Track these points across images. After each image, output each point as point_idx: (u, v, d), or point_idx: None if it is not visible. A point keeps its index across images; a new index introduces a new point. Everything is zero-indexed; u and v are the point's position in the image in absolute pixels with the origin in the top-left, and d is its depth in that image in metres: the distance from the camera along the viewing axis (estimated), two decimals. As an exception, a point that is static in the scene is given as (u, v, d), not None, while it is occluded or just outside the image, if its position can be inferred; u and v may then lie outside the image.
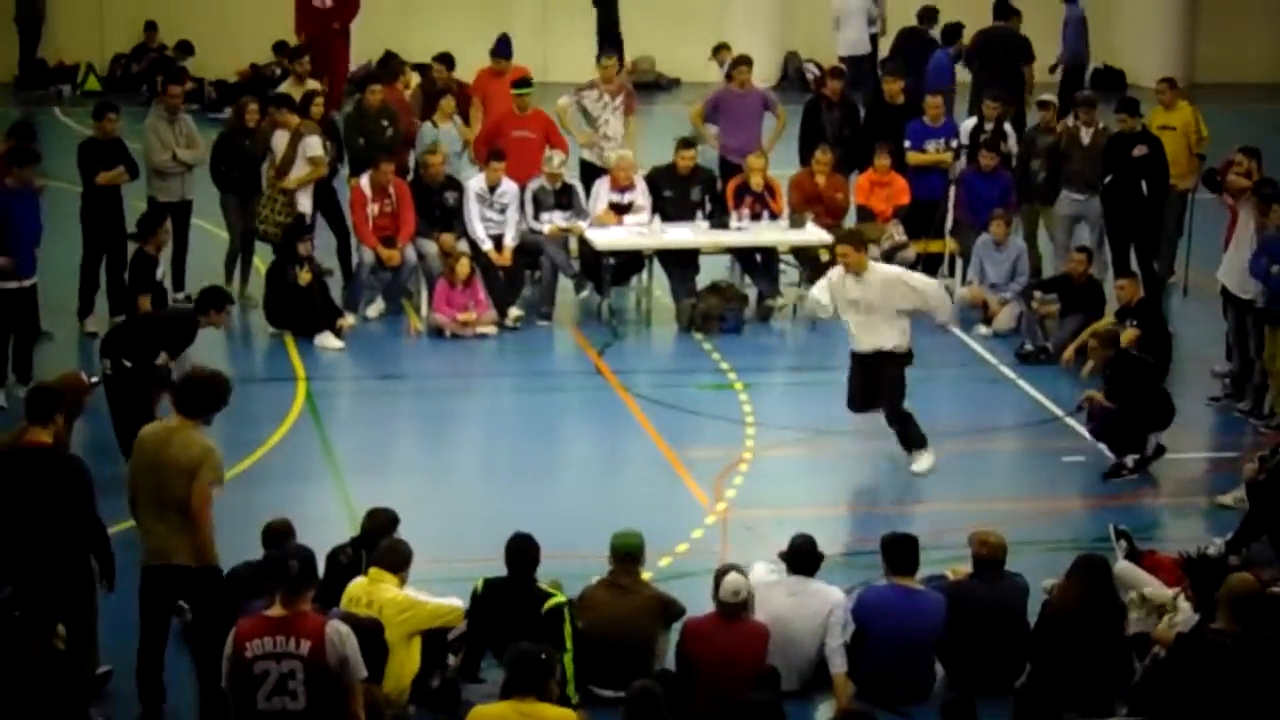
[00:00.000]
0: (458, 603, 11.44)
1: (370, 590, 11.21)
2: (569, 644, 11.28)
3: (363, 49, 26.85)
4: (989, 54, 23.10)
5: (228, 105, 21.21)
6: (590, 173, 19.59)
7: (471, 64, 21.07)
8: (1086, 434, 15.75)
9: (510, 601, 11.28)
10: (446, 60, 20.75)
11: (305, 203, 18.51)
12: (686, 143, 19.50)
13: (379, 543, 11.74)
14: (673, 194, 19.03)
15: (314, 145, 18.50)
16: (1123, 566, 12.36)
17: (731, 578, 11.35)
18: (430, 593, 11.44)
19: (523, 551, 11.42)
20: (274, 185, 18.38)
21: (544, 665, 9.82)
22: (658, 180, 19.12)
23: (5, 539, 10.82)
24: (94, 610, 11.04)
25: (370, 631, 10.91)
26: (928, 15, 24.82)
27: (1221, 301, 16.62)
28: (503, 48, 20.45)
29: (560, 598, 11.40)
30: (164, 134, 18.00)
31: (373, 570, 11.31)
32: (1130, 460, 15.04)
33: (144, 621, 11.06)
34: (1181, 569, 12.47)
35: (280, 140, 18.49)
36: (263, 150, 18.74)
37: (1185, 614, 11.59)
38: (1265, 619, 10.73)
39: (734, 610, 11.30)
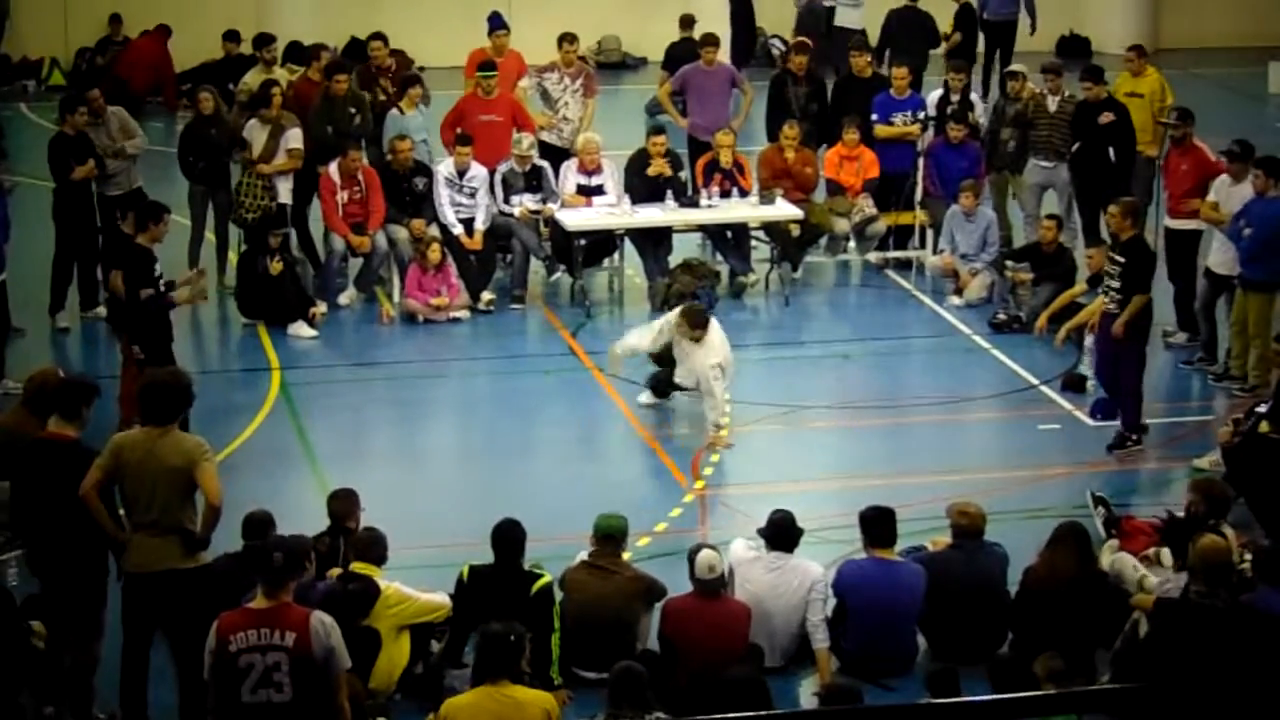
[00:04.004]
0: (445, 599, 11.43)
1: None
2: (556, 623, 11.31)
3: (327, 35, 26.74)
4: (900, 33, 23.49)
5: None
6: (547, 152, 19.49)
7: (438, 49, 20.94)
8: (1062, 401, 15.85)
9: (498, 586, 11.25)
10: (383, 39, 20.54)
11: (285, 193, 18.47)
12: (658, 129, 19.62)
13: (348, 525, 11.75)
14: (640, 181, 18.97)
15: (295, 137, 18.47)
16: (1120, 559, 12.32)
17: (705, 554, 11.35)
18: (410, 581, 11.45)
19: (510, 536, 11.39)
20: (251, 172, 18.33)
21: (514, 647, 9.75)
22: (629, 170, 19.08)
23: (29, 530, 10.93)
24: (103, 606, 10.91)
25: (367, 633, 10.96)
26: None
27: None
28: (496, 20, 20.36)
29: (547, 577, 11.39)
30: (94, 136, 17.69)
31: (357, 565, 11.28)
32: (1135, 435, 15.02)
33: (127, 630, 10.80)
34: (1160, 533, 12.51)
35: (257, 132, 18.45)
36: (229, 140, 18.64)
37: (1164, 573, 11.68)
38: (1240, 582, 10.80)
39: (712, 587, 11.30)
